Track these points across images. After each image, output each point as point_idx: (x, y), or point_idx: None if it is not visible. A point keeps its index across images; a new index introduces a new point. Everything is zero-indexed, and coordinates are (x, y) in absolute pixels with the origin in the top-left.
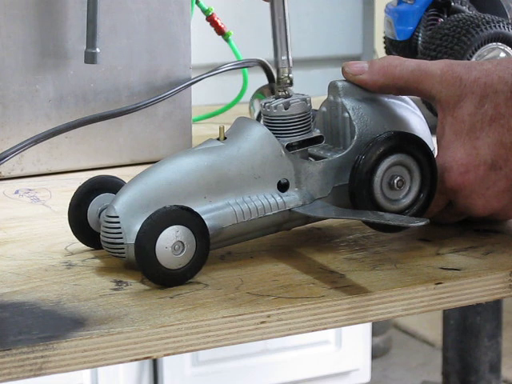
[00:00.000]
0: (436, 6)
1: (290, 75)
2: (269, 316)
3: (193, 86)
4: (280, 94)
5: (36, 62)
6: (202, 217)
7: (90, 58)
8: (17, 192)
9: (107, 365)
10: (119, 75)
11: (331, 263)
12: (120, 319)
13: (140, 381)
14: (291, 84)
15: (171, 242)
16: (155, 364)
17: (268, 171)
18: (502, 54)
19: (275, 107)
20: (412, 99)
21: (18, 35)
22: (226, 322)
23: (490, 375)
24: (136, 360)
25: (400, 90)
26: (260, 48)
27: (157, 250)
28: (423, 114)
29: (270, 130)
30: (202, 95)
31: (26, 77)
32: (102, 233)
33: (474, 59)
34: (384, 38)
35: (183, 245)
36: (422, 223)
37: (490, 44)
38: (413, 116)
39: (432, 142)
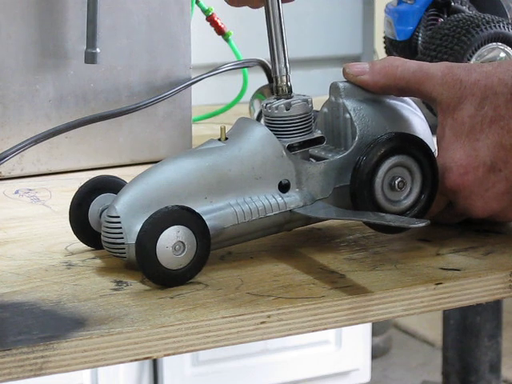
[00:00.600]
0: (436, 5)
1: (289, 83)
2: (269, 316)
3: (193, 86)
4: (281, 94)
5: (36, 62)
6: (203, 217)
7: (90, 58)
8: (17, 192)
9: (107, 365)
10: (119, 75)
11: (331, 263)
12: (120, 319)
13: (140, 381)
14: (290, 92)
15: (172, 242)
16: (155, 364)
17: (269, 172)
18: (502, 54)
19: (276, 108)
20: (412, 100)
21: (18, 35)
22: (226, 322)
23: (490, 375)
24: (136, 360)
25: (401, 90)
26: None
27: (157, 250)
28: (423, 114)
29: (271, 130)
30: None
31: (26, 77)
32: (102, 233)
33: (473, 59)
34: (384, 38)
35: (184, 245)
36: (423, 224)
37: (490, 44)
38: (414, 117)
39: (433, 143)
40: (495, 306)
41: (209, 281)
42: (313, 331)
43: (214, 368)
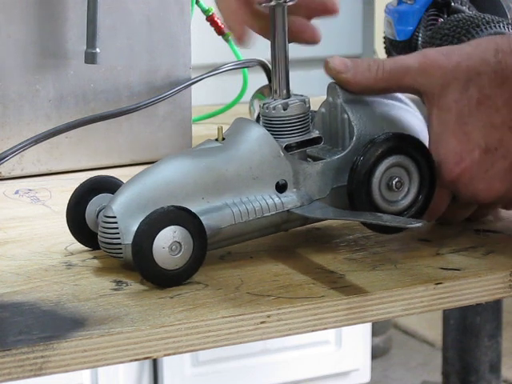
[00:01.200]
0: (436, 6)
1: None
2: (269, 316)
3: (193, 86)
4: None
5: (36, 62)
6: (200, 217)
7: (90, 58)
8: (17, 192)
9: (107, 365)
10: (119, 75)
11: (331, 263)
12: (120, 319)
13: (140, 381)
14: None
15: (168, 242)
16: (155, 364)
17: (266, 172)
18: None
19: (274, 108)
20: (412, 99)
21: (18, 35)
22: (225, 322)
23: (490, 375)
24: (136, 360)
25: (383, 90)
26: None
27: (154, 250)
28: (423, 114)
29: (268, 130)
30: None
31: (26, 77)
32: (99, 233)
33: None
34: (384, 38)
35: (180, 245)
36: (419, 224)
37: None
38: (411, 117)
39: None
40: (495, 306)
41: (209, 281)
42: (312, 331)
43: (214, 368)
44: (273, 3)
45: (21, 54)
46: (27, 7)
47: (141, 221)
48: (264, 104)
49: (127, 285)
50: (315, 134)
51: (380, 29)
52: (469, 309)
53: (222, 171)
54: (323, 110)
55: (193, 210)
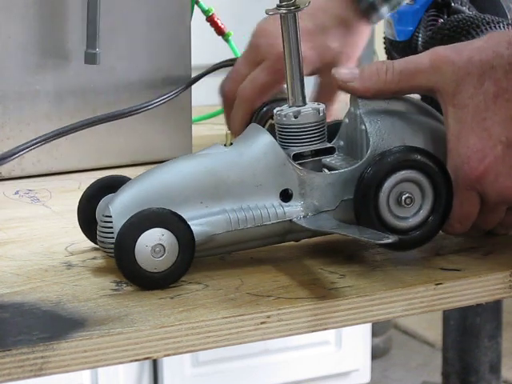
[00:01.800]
0: (436, 6)
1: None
2: (269, 316)
3: (193, 87)
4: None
5: (36, 61)
6: (194, 222)
7: (91, 58)
8: (17, 193)
9: (107, 365)
10: (119, 75)
11: (331, 264)
12: (120, 320)
13: (140, 381)
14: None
15: (151, 243)
16: (155, 364)
17: (270, 180)
18: None
19: (285, 116)
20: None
21: (18, 35)
22: (226, 322)
23: (490, 376)
24: (136, 360)
25: (395, 93)
26: None
27: (136, 250)
28: None
29: (280, 138)
30: (203, 95)
31: (26, 77)
32: (97, 232)
33: None
34: (384, 38)
35: (164, 248)
36: (389, 240)
37: None
38: (438, 132)
39: None
40: (495, 307)
41: (209, 281)
42: (313, 331)
43: (214, 368)
44: (283, 11)
45: (21, 53)
46: (27, 7)
47: (126, 220)
48: (277, 111)
49: (127, 285)
50: (329, 144)
51: (380, 29)
52: (469, 309)
53: (223, 177)
54: (346, 120)
55: (189, 214)
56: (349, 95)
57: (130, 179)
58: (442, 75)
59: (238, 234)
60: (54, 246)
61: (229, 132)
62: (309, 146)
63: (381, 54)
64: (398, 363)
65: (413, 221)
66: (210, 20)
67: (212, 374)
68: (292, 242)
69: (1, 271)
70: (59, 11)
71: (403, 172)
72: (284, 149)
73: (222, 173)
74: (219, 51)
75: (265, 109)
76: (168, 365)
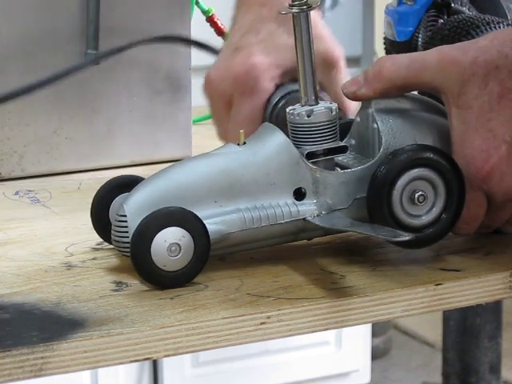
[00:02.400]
0: (436, 6)
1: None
2: (269, 317)
3: (193, 87)
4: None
5: (36, 61)
6: (209, 221)
7: (91, 58)
8: (17, 193)
9: (107, 366)
10: (119, 75)
11: (331, 264)
12: (120, 320)
13: (140, 382)
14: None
15: (168, 243)
16: (155, 365)
17: (284, 179)
18: None
19: (298, 115)
20: None
21: (19, 35)
22: (226, 322)
23: (490, 376)
24: (136, 361)
25: (401, 89)
26: None
27: (152, 249)
28: None
29: (293, 137)
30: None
31: (26, 77)
32: (112, 231)
33: None
34: (384, 38)
35: (180, 247)
36: (406, 238)
37: None
38: (448, 129)
39: None
40: (495, 307)
41: (209, 281)
42: (313, 332)
43: (214, 369)
44: (295, 10)
45: (21, 53)
46: (27, 7)
47: (142, 219)
48: (290, 110)
49: (127, 286)
50: (341, 142)
51: (380, 29)
52: (469, 310)
53: (237, 176)
54: (358, 118)
55: (203, 213)
56: None
57: (143, 179)
58: (447, 75)
59: (252, 232)
60: (54, 246)
61: (243, 131)
62: (322, 145)
63: (381, 54)
64: (397, 363)
65: (426, 218)
66: (210, 20)
67: (212, 375)
68: (292, 243)
69: (1, 272)
70: (59, 11)
71: (416, 170)
72: (297, 148)
73: (235, 172)
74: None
75: (280, 104)
76: (168, 365)
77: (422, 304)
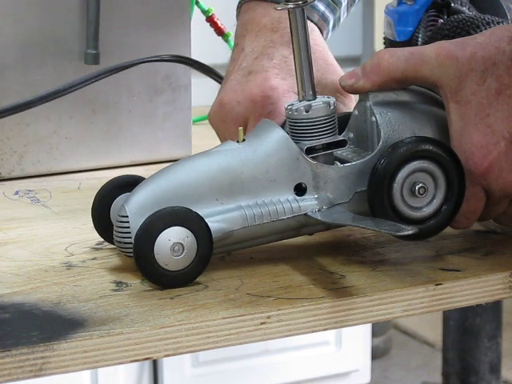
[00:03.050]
0: (436, 6)
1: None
2: (269, 317)
3: (193, 87)
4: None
5: (36, 61)
6: (211, 219)
7: (91, 58)
8: (17, 193)
9: (107, 366)
10: (119, 75)
11: (331, 264)
12: (120, 320)
13: (140, 381)
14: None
15: (171, 242)
16: (155, 365)
17: (284, 175)
18: None
19: (296, 110)
20: None
21: (18, 35)
22: (226, 322)
23: (490, 376)
24: (136, 361)
25: (399, 82)
26: None
27: (155, 249)
28: None
29: (292, 132)
30: (202, 96)
31: (26, 77)
32: (114, 231)
33: None
34: (384, 38)
35: (183, 247)
36: (409, 232)
37: None
38: (446, 120)
39: None
40: (495, 307)
41: (209, 281)
42: (312, 332)
43: (214, 369)
44: (291, 6)
45: (21, 53)
46: (27, 7)
47: (144, 219)
48: (288, 106)
49: (127, 286)
50: (340, 136)
51: (380, 29)
52: (469, 310)
53: (237, 173)
54: (356, 112)
55: (205, 211)
56: None
57: (143, 179)
58: (445, 70)
59: (253, 229)
60: (54, 246)
61: (241, 128)
62: (321, 140)
63: None
64: (397, 363)
65: (427, 210)
66: (210, 20)
67: (212, 375)
68: (291, 242)
69: (1, 271)
70: (60, 11)
71: (416, 162)
72: (296, 143)
73: (236, 169)
74: (219, 51)
75: None
76: (168, 365)
77: (422, 304)
